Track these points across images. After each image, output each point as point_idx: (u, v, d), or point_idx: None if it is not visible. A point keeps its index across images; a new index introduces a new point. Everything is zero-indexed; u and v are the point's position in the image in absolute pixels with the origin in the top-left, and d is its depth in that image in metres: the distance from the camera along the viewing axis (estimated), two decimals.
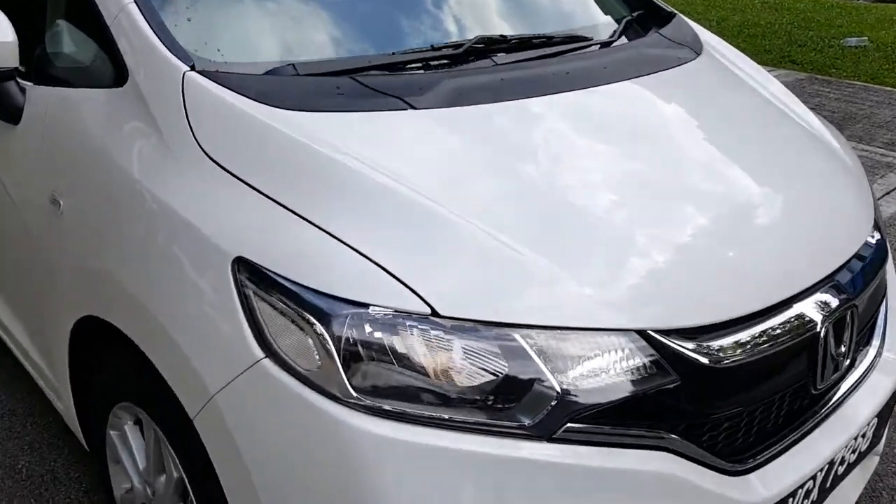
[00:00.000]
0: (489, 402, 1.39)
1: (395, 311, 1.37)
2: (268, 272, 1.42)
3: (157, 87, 1.67)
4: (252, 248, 1.45)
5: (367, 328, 1.37)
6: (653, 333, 1.46)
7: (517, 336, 1.40)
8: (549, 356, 1.41)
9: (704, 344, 1.51)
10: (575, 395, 1.42)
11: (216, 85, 1.64)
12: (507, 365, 1.40)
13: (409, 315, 1.37)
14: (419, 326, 1.38)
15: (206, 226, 1.51)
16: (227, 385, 1.43)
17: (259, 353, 1.40)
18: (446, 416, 1.37)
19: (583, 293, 1.45)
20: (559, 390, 1.40)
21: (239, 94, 1.62)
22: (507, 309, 1.41)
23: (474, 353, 1.39)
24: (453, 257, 1.45)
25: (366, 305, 1.37)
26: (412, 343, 1.37)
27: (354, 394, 1.35)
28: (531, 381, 1.41)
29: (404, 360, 1.37)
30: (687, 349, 1.48)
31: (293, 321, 1.39)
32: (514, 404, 1.40)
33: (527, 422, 1.40)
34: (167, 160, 1.62)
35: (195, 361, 1.48)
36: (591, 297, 1.45)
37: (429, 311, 1.38)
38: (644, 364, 1.46)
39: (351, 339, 1.36)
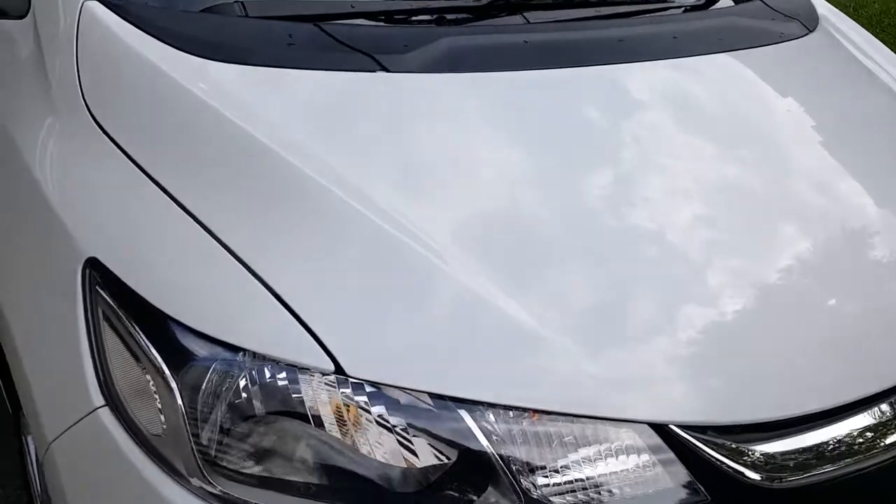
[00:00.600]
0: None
1: (287, 364, 0.93)
2: (121, 282, 1.00)
3: (51, 18, 1.26)
4: (109, 248, 1.03)
5: (242, 381, 0.93)
6: (676, 430, 0.97)
7: (464, 415, 0.94)
8: (514, 452, 0.95)
9: (755, 451, 1.00)
10: None
11: (120, 20, 1.21)
12: (448, 454, 0.94)
13: (307, 370, 0.93)
14: (325, 385, 0.94)
15: (69, 214, 1.10)
16: (63, 433, 1.02)
17: (98, 398, 0.99)
18: None
19: (577, 365, 0.98)
20: (522, 498, 0.94)
21: (147, 33, 1.19)
22: (457, 377, 0.96)
23: (403, 430, 0.94)
24: (397, 302, 1.00)
25: (239, 350, 0.94)
26: (318, 402, 0.93)
27: (208, 479, 0.92)
28: (482, 483, 0.95)
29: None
30: (726, 457, 0.99)
31: (137, 359, 0.97)
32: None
33: None
34: (51, 122, 1.22)
35: (37, 397, 1.08)
36: (590, 372, 0.98)
37: (332, 368, 0.93)
38: (659, 474, 0.98)
39: (210, 397, 0.93)
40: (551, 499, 0.95)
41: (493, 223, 1.10)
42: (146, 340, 0.95)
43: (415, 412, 0.94)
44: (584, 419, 0.96)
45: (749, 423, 1.01)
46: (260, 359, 0.93)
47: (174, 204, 1.05)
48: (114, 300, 0.99)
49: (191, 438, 0.92)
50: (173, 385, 0.92)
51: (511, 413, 0.95)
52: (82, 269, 1.03)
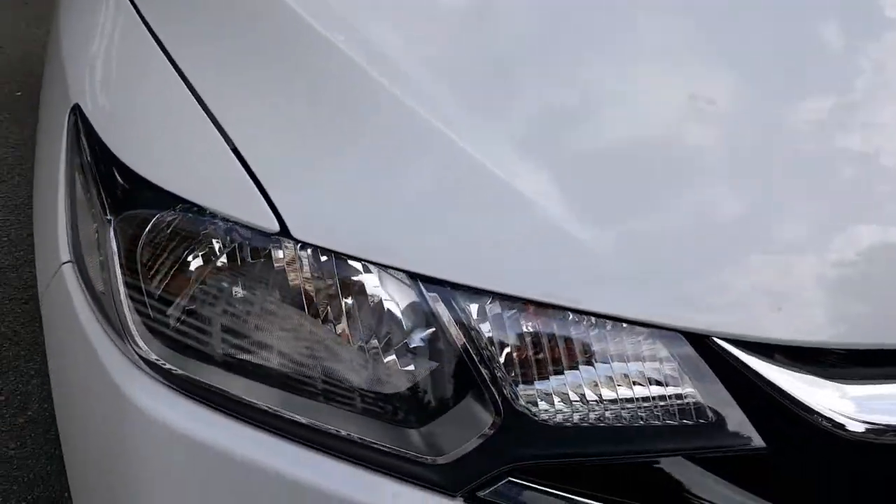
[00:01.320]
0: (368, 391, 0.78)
1: (226, 220, 0.79)
2: (94, 131, 0.90)
3: None
4: (93, 97, 0.94)
5: (165, 229, 0.80)
6: (723, 343, 0.72)
7: (442, 305, 0.75)
8: (502, 352, 0.75)
9: (842, 391, 0.72)
10: (534, 426, 0.74)
11: None
12: (422, 349, 0.77)
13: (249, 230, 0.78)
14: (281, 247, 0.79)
15: (69, 60, 1.02)
16: (45, 288, 0.97)
17: (65, 253, 0.92)
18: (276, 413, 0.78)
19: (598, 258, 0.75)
20: (501, 408, 0.74)
21: None
22: (450, 259, 0.76)
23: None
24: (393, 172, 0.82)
25: (182, 201, 0.80)
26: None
27: (138, 343, 0.81)
28: (456, 379, 0.76)
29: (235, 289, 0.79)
30: (802, 393, 0.72)
31: (92, 207, 0.87)
32: (412, 411, 0.77)
33: (430, 458, 0.76)
34: None
35: (37, 250, 1.03)
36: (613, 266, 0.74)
37: (277, 228, 0.77)
38: (691, 403, 0.73)
39: (149, 250, 0.81)
40: (541, 408, 0.74)
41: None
42: (98, 187, 0.85)
43: (395, 292, 0.77)
44: (592, 317, 0.73)
45: (839, 349, 0.73)
46: (209, 215, 0.80)
47: (169, 64, 0.93)
48: (88, 150, 0.90)
49: (126, 297, 0.81)
50: (111, 236, 0.82)
51: (503, 304, 0.74)
52: (68, 115, 0.95)
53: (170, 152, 0.85)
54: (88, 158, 0.89)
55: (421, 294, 0.75)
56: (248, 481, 0.75)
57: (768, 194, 0.79)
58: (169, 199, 0.80)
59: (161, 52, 0.92)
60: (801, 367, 0.73)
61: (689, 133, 0.84)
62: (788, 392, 0.72)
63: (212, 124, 0.83)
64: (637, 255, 0.75)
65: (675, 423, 0.73)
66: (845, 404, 0.73)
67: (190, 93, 0.87)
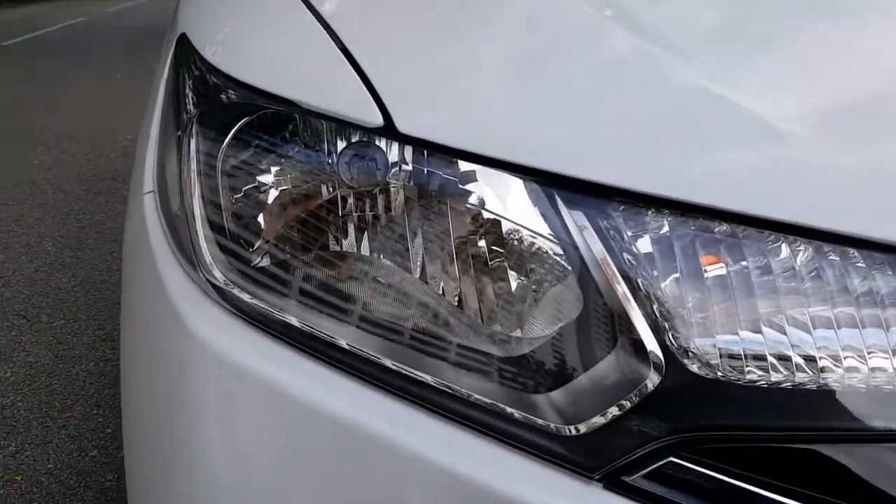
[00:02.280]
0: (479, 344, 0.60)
1: (320, 114, 0.64)
2: (201, 57, 0.79)
3: None
4: (199, 25, 0.84)
5: (250, 137, 0.66)
6: None
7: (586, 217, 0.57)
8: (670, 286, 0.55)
9: None
10: (713, 385, 0.53)
11: None
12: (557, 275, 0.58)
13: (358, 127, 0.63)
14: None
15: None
16: (128, 218, 0.85)
17: (150, 183, 0.80)
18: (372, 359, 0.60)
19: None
20: (663, 360, 0.53)
21: None
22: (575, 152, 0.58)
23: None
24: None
25: (271, 97, 0.67)
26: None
27: (207, 259, 0.66)
28: (604, 325, 0.57)
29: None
30: None
31: (178, 123, 0.75)
32: (541, 370, 0.58)
33: (569, 429, 0.56)
34: None
35: (132, 178, 0.92)
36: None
37: (381, 122, 0.62)
38: None
39: (226, 151, 0.67)
40: (726, 369, 0.53)
41: None
42: (184, 98, 0.74)
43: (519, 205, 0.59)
44: (815, 243, 0.52)
45: None
46: (303, 111, 0.65)
47: None
48: (188, 76, 0.80)
49: (200, 210, 0.67)
50: (191, 136, 0.69)
51: (676, 219, 0.55)
52: (174, 46, 0.86)
53: (269, 56, 0.72)
54: (187, 84, 0.78)
55: (556, 208, 0.57)
56: (314, 425, 0.57)
57: None
58: (257, 97, 0.67)
59: None
60: None
61: None
62: None
63: (316, 21, 0.71)
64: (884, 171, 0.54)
65: None
66: None
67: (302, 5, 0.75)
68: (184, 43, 0.83)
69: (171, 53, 0.87)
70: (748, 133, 0.57)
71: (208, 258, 0.65)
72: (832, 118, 0.59)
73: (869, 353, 0.51)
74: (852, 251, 0.52)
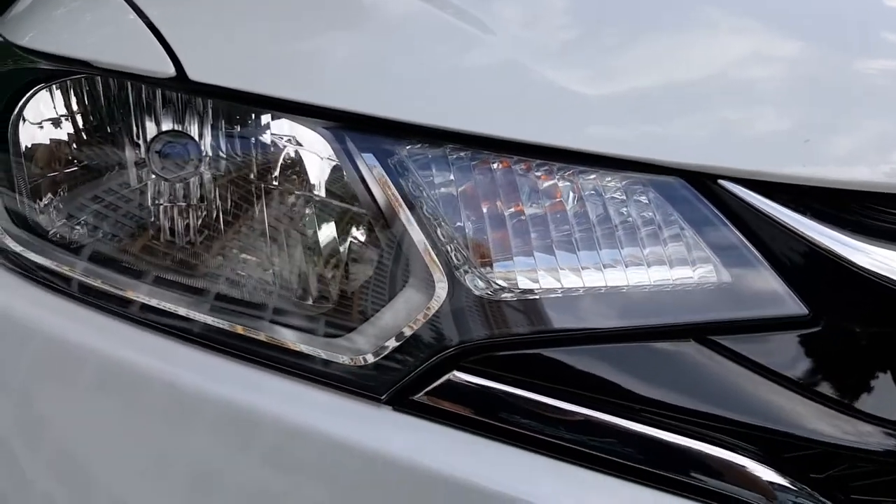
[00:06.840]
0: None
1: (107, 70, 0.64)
2: None
3: None
4: None
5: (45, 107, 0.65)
6: (730, 185, 0.55)
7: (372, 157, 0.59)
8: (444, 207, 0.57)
9: None
10: (488, 298, 0.55)
11: None
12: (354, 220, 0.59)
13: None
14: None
15: None
16: None
17: None
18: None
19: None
20: (446, 279, 0.55)
21: None
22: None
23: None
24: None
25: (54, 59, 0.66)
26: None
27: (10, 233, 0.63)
28: (402, 271, 0.58)
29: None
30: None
31: None
32: (344, 315, 0.58)
33: (361, 359, 0.57)
34: None
35: None
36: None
37: (173, 71, 0.62)
38: (701, 264, 0.55)
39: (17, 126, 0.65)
40: (499, 279, 0.55)
41: None
42: None
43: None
44: (568, 165, 0.56)
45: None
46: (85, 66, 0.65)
47: None
48: None
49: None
50: None
51: (451, 148, 0.57)
52: None
53: (56, 21, 0.71)
54: None
55: (344, 143, 0.59)
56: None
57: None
58: (47, 61, 0.66)
59: None
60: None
61: None
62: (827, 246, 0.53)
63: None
64: (622, 91, 0.59)
65: (690, 285, 0.54)
66: None
67: None
68: None
69: None
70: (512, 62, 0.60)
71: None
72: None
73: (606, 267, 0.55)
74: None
